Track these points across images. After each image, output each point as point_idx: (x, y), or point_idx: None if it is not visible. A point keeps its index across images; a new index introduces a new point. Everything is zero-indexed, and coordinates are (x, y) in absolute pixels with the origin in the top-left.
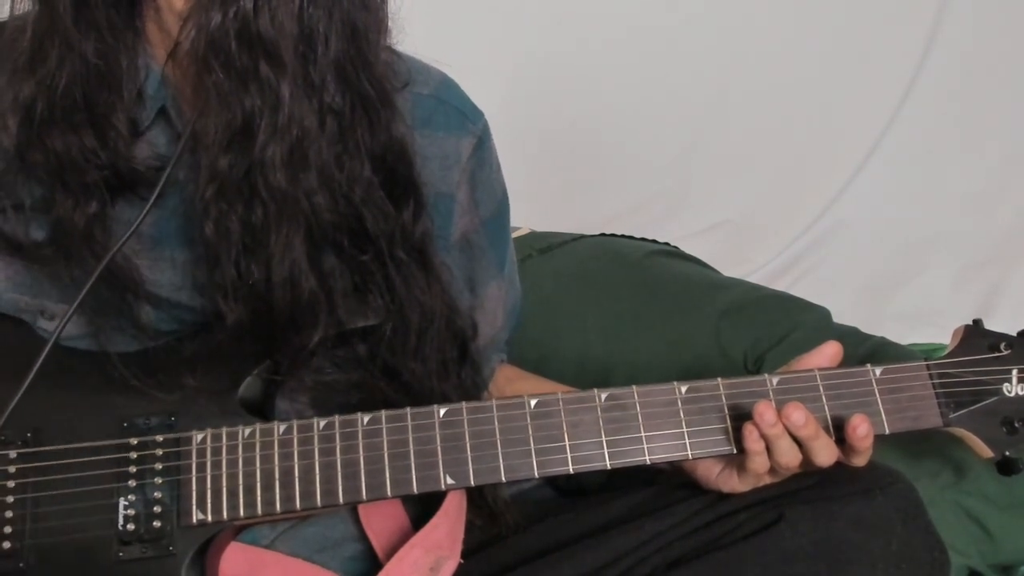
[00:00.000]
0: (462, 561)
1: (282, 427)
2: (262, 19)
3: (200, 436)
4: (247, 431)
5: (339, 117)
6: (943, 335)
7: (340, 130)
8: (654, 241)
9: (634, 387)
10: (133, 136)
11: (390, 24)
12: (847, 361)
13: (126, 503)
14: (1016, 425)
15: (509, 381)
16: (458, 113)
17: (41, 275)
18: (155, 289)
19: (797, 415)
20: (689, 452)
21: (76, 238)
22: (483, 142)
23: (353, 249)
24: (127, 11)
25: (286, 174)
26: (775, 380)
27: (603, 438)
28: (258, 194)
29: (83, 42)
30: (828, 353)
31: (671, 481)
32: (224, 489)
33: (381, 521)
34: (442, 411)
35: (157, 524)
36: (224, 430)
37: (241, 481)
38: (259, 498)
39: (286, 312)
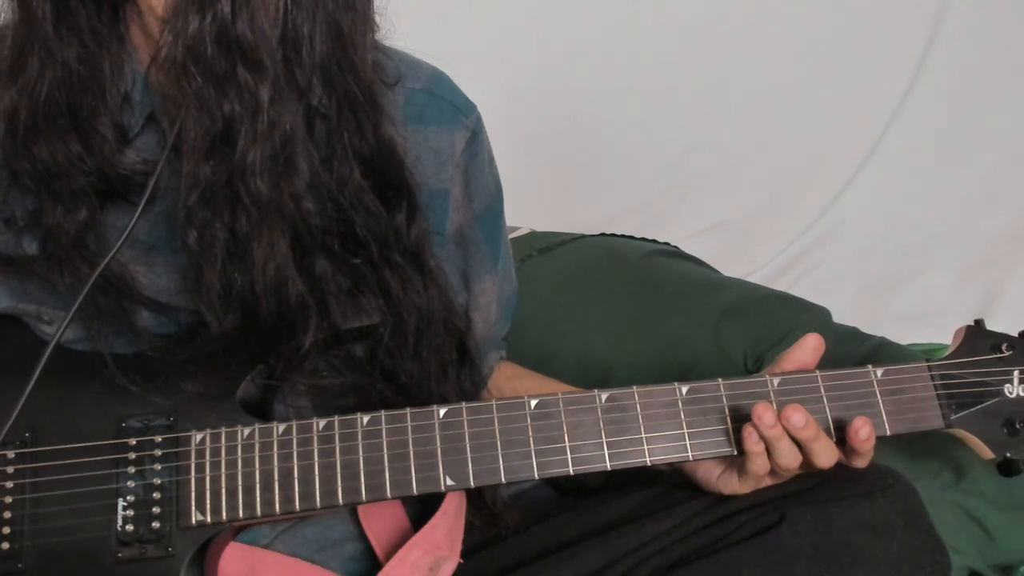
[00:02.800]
0: (462, 561)
1: (281, 428)
2: (240, 23)
3: (199, 436)
4: (246, 431)
5: (326, 120)
6: (943, 335)
7: (327, 133)
8: (654, 241)
9: (635, 388)
10: (121, 142)
11: (378, 21)
12: (847, 361)
13: (125, 504)
14: (1017, 426)
15: (509, 380)
16: (450, 107)
17: (37, 286)
18: (152, 294)
19: (796, 417)
20: (689, 453)
21: (67, 246)
22: (476, 135)
23: (345, 252)
24: (109, 16)
25: (268, 180)
26: (776, 381)
27: (603, 439)
28: (240, 201)
29: (64, 48)
30: (810, 346)
31: (671, 482)
32: (223, 490)
33: (381, 521)
34: (442, 412)
35: (156, 525)
36: (223, 430)
37: (240, 482)
38: (258, 499)
39: (273, 317)
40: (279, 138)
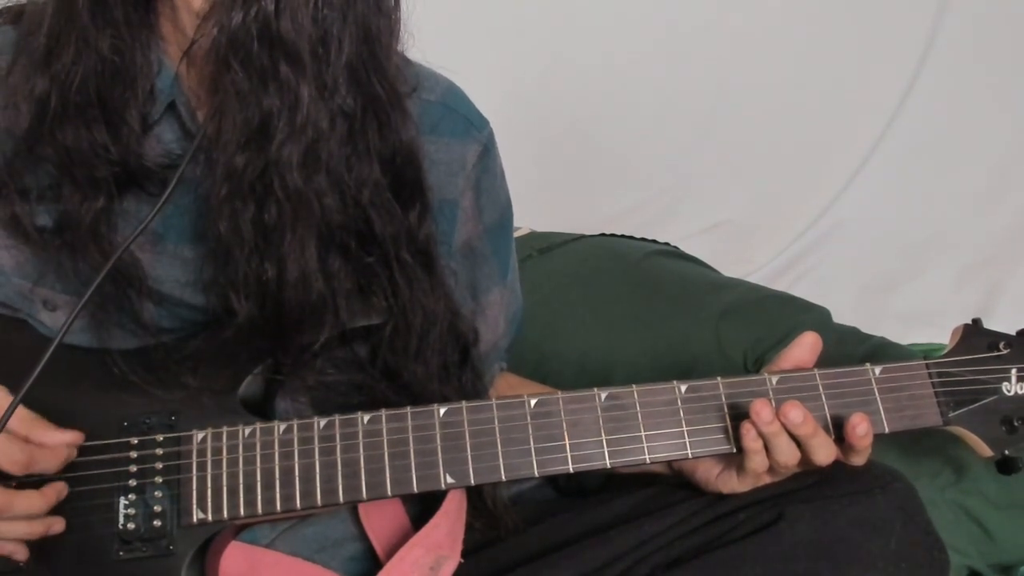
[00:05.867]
0: (462, 560)
1: (282, 427)
2: (283, 20)
3: (200, 435)
4: (247, 430)
5: (350, 119)
6: (943, 335)
7: (350, 132)
8: (654, 241)
9: (634, 386)
10: (143, 131)
11: (401, 30)
12: (847, 361)
13: (126, 502)
14: (1015, 424)
15: (511, 388)
16: (464, 120)
17: (47, 264)
18: (157, 285)
19: (794, 413)
20: (689, 451)
21: (82, 232)
22: (488, 150)
23: (360, 251)
24: (143, 8)
25: (301, 174)
26: (775, 379)
27: (603, 437)
28: (273, 193)
29: (99, 38)
30: (807, 343)
31: (670, 481)
32: (224, 488)
33: (381, 520)
34: (442, 410)
35: (157, 523)
36: (224, 429)
37: (241, 480)
38: (259, 497)
39: (295, 311)
40: (313, 134)
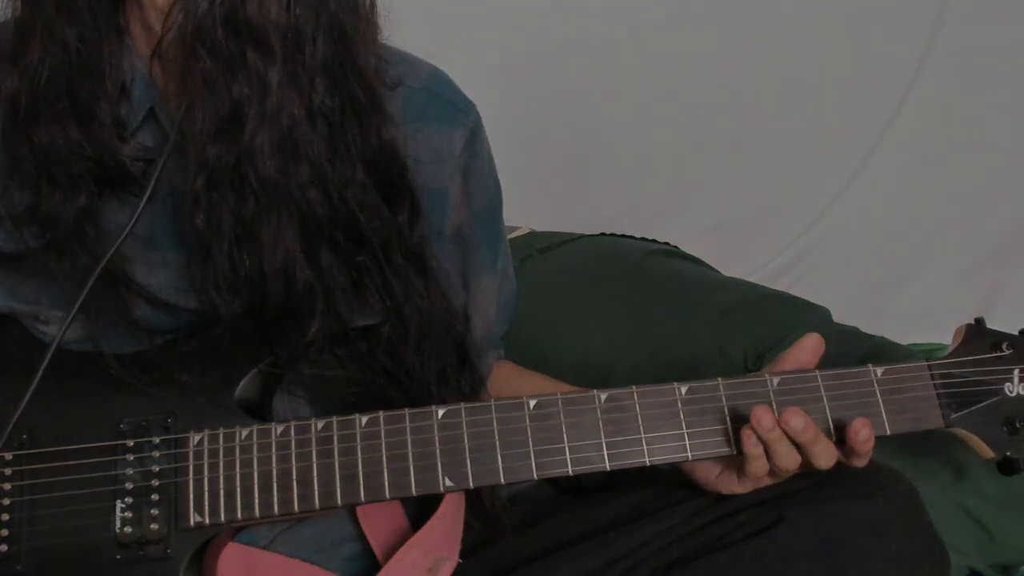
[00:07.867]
0: (460, 561)
1: (279, 428)
2: (250, 6)
3: (197, 438)
4: (244, 432)
5: (329, 119)
6: (943, 335)
7: (330, 132)
8: (654, 241)
9: (634, 388)
10: (120, 131)
11: (380, 25)
12: (847, 361)
13: (123, 505)
14: (1017, 425)
15: (507, 380)
16: (450, 105)
17: (34, 283)
18: (150, 292)
19: (796, 420)
20: (689, 453)
21: (66, 233)
22: (476, 134)
23: (350, 245)
24: (109, 6)
25: (276, 163)
26: (775, 381)
27: (603, 439)
28: (248, 184)
29: (66, 29)
30: (809, 345)
31: (670, 480)
32: (222, 491)
33: (380, 521)
34: (441, 412)
35: (154, 527)
36: (221, 431)
37: (239, 483)
38: (257, 500)
39: (280, 303)
40: (286, 123)
